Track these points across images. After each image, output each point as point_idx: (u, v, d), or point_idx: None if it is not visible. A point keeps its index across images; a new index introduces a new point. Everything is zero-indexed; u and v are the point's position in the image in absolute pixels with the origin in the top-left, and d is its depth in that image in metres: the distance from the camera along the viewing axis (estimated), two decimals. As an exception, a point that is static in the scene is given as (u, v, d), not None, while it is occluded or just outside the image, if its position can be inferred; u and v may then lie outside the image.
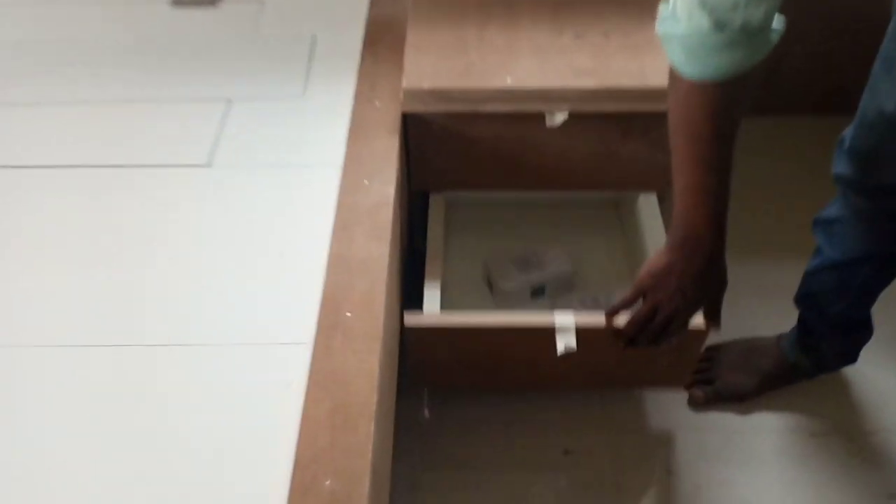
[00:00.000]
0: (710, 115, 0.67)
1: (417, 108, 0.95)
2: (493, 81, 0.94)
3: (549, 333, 0.90)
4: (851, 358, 1.04)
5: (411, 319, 0.92)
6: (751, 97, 0.69)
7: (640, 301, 0.83)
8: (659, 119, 0.97)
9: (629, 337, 0.84)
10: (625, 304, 0.84)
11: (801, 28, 1.39)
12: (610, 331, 0.86)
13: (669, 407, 1.09)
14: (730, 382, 1.08)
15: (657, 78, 0.94)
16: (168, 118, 0.96)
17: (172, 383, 0.69)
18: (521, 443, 1.06)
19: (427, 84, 0.93)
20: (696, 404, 1.09)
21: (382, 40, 1.08)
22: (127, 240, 0.81)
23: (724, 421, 1.07)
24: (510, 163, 1.03)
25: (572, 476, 1.01)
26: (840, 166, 0.87)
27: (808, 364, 1.05)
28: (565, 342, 0.88)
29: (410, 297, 1.00)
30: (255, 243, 0.81)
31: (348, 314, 0.74)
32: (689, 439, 1.05)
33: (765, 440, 1.04)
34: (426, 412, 1.09)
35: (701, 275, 0.76)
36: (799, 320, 1.05)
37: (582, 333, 0.89)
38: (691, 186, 0.72)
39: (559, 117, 0.96)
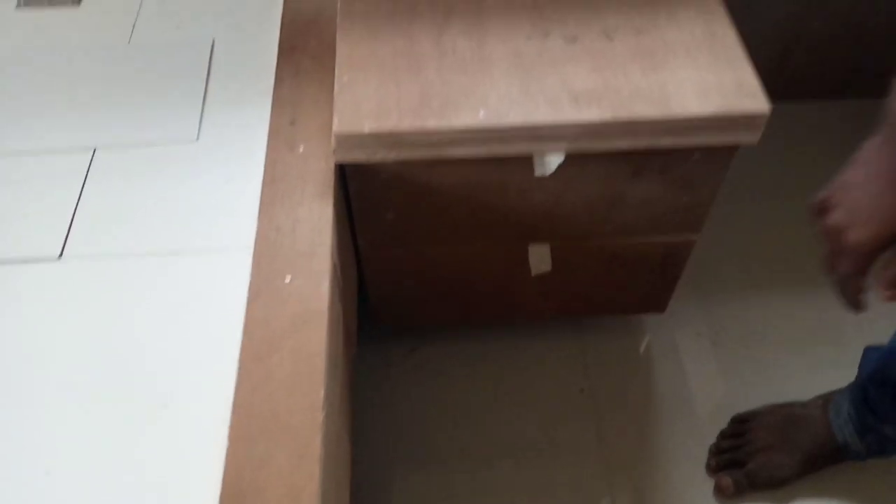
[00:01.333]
0: None
1: (357, 157, 0.68)
2: (460, 117, 0.67)
3: (521, 251, 0.83)
4: None
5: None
6: None
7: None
8: (684, 154, 0.73)
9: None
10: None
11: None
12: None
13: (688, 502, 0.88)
14: (765, 464, 0.88)
15: (683, 100, 0.68)
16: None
17: None
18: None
19: (368, 125, 0.66)
20: (725, 496, 0.88)
21: (305, 46, 0.80)
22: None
23: (759, 519, 0.87)
24: (487, 215, 0.78)
25: None
26: None
27: (861, 447, 0.85)
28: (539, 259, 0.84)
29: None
30: (119, 386, 0.55)
31: (263, 518, 0.49)
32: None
33: (811, 543, 0.85)
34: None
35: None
36: (859, 393, 0.84)
37: (557, 251, 0.83)
38: None
39: (552, 162, 0.70)
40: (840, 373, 0.90)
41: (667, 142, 0.70)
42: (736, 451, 0.90)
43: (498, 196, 0.76)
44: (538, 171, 0.71)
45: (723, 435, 0.93)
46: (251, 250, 0.62)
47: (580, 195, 0.77)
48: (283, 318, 0.58)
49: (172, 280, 0.61)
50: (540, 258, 0.83)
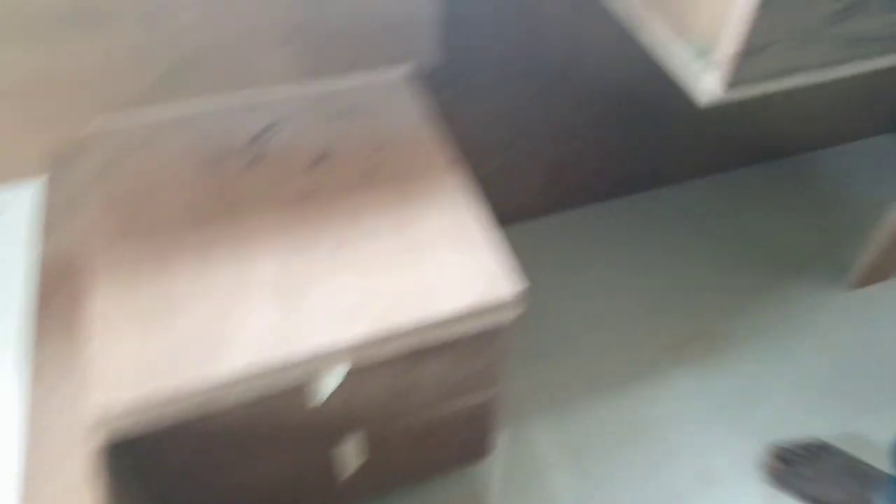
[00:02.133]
0: None
1: (122, 426, 0.63)
2: (222, 365, 0.64)
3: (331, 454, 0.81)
4: None
5: None
6: None
7: None
8: (456, 340, 0.75)
9: None
10: None
11: (583, 116, 1.26)
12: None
13: None
14: (818, 490, 1.01)
15: (448, 296, 0.70)
16: None
17: None
18: None
19: (125, 396, 0.61)
20: (771, 476, 1.04)
21: (65, 297, 0.74)
22: None
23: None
24: (284, 435, 0.76)
25: None
26: None
27: None
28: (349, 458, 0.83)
29: None
30: None
31: None
32: None
33: None
34: None
35: None
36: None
37: (367, 440, 0.82)
38: None
39: (329, 383, 0.70)
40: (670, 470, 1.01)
41: (437, 336, 0.72)
42: (805, 465, 1.02)
43: (290, 418, 0.74)
44: (315, 399, 0.70)
45: (798, 444, 1.05)
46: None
47: (372, 394, 0.77)
48: None
49: None
50: (351, 455, 0.83)
